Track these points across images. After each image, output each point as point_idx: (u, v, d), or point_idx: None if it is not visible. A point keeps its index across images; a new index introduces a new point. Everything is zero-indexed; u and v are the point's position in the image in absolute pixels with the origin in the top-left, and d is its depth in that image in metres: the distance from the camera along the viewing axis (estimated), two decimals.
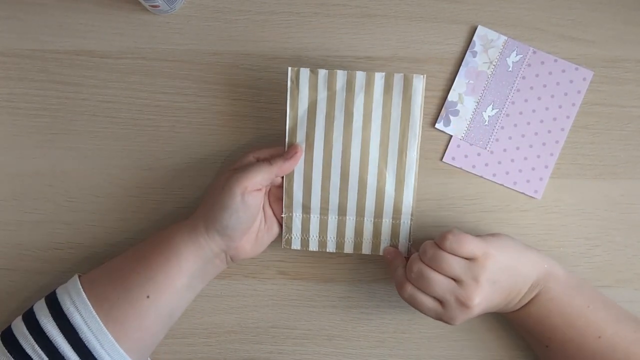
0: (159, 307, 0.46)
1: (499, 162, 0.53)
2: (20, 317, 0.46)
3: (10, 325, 0.46)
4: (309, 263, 0.54)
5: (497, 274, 0.44)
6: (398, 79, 0.48)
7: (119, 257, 0.49)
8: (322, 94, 0.49)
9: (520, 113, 0.54)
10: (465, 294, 0.44)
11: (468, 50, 0.54)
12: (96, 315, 0.44)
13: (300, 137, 0.49)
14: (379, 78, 0.48)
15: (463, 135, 0.54)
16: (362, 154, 0.49)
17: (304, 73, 0.48)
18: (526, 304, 0.47)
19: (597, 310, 0.47)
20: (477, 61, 0.54)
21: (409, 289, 0.45)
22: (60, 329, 0.44)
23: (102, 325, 0.44)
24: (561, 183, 0.54)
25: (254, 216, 0.48)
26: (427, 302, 0.45)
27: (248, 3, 0.55)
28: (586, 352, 0.45)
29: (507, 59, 0.54)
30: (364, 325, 0.53)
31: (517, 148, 0.53)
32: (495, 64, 0.54)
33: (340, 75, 0.48)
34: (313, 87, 0.49)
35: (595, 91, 0.54)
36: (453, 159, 0.54)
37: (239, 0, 0.55)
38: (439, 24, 0.54)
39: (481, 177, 0.53)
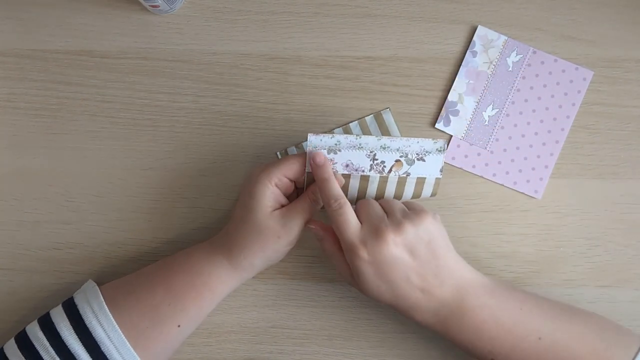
0: (188, 331, 0.47)
1: (499, 162, 0.53)
2: (36, 325, 0.45)
3: (24, 330, 0.45)
4: (309, 263, 0.54)
5: (428, 235, 0.44)
6: (370, 119, 0.52)
7: (143, 277, 0.48)
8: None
9: (520, 113, 0.54)
10: (389, 224, 0.43)
11: (468, 50, 0.54)
12: (127, 342, 0.44)
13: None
14: (370, 122, 0.52)
15: (463, 135, 0.54)
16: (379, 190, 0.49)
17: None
18: (457, 314, 0.44)
19: (530, 311, 0.45)
20: (477, 61, 0.54)
21: (342, 199, 0.44)
22: (85, 346, 0.44)
23: (131, 347, 0.44)
24: (561, 183, 0.54)
25: None
26: (353, 218, 0.44)
27: (248, 3, 0.55)
28: (531, 356, 0.43)
29: (507, 59, 0.54)
30: (364, 325, 0.53)
31: (517, 148, 0.53)
32: (495, 64, 0.54)
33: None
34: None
35: (595, 91, 0.54)
36: (453, 159, 0.54)
37: (239, 0, 0.55)
38: (439, 24, 0.54)
39: (481, 177, 0.53)
